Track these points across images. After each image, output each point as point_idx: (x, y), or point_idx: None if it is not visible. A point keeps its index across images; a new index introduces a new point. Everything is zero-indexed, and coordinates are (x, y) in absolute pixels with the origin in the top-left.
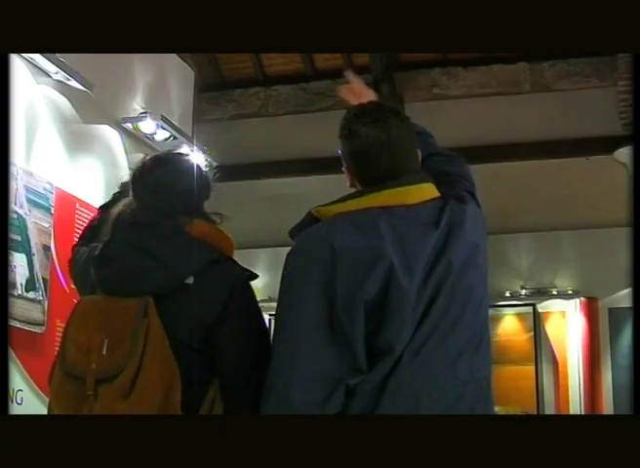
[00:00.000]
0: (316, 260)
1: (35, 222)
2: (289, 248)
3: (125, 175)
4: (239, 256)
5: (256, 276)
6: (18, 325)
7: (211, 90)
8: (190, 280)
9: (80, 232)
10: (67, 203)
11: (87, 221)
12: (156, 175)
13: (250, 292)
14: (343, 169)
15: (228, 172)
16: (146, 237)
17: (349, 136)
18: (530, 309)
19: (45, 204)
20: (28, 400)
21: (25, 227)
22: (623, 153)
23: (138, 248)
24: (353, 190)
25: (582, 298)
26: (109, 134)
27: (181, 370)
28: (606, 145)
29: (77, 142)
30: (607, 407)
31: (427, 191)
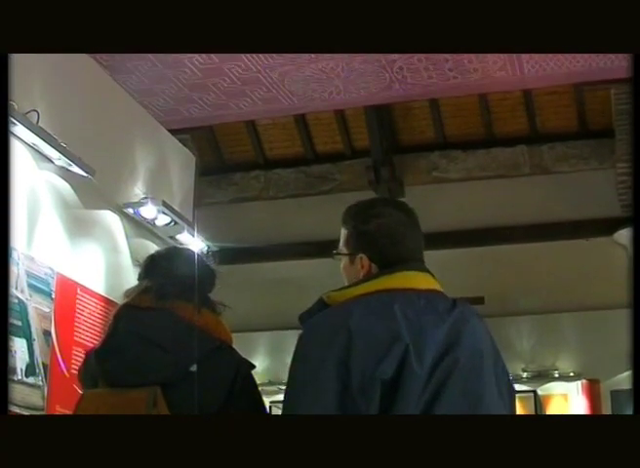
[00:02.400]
0: (331, 343)
1: (36, 307)
2: (289, 331)
3: (126, 260)
4: (239, 340)
5: (253, 366)
6: (17, 410)
7: (212, 173)
8: (194, 368)
9: (81, 317)
10: (68, 288)
11: (87, 307)
12: (167, 264)
13: (252, 378)
14: (357, 258)
15: (229, 255)
16: (151, 326)
17: (373, 216)
18: (531, 394)
19: (46, 289)
20: None
21: (26, 312)
22: (623, 235)
23: (142, 337)
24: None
25: (584, 380)
26: (111, 219)
27: None
28: (606, 227)
29: (79, 228)
30: None
31: (433, 281)
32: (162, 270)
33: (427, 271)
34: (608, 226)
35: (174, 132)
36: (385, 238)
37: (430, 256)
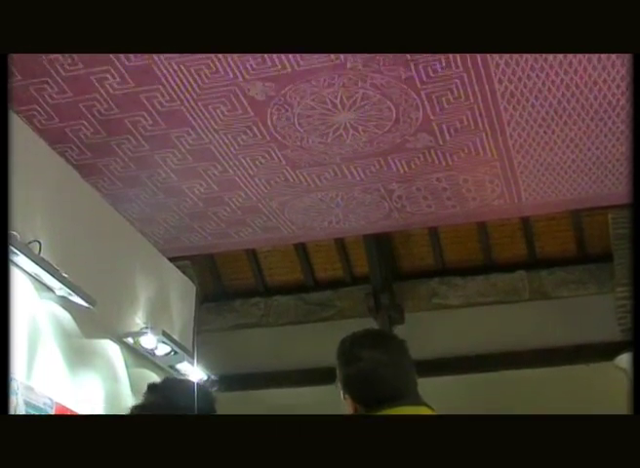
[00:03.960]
0: None
1: None
2: None
3: (126, 389)
4: None
5: None
6: None
7: (212, 300)
8: None
9: None
10: None
11: None
12: (159, 396)
13: None
14: (345, 397)
15: (228, 382)
16: None
17: (353, 359)
18: None
19: None
20: None
21: None
22: (624, 359)
23: None
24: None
25: None
26: (110, 348)
27: None
28: (606, 352)
29: (78, 357)
30: None
31: (425, 413)
32: (153, 402)
33: (419, 404)
34: (608, 351)
35: (174, 259)
36: (365, 382)
37: (430, 383)
